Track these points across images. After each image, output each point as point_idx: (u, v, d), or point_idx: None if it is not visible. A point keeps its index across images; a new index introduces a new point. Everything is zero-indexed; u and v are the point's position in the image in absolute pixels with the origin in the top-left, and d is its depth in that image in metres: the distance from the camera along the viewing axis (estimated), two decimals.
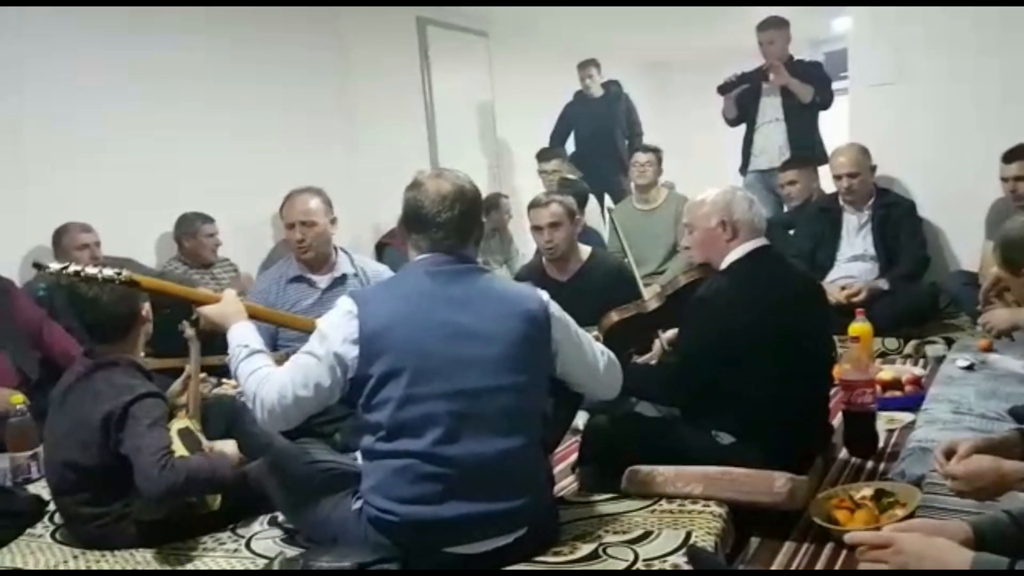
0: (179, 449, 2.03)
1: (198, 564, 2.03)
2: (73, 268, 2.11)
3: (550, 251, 3.46)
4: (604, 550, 1.92)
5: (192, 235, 4.34)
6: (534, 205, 3.50)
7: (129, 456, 2.01)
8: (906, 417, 2.88)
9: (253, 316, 2.22)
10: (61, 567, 2.06)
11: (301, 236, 3.11)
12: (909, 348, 3.75)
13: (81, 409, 2.11)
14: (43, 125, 3.86)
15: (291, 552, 1.85)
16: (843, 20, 6.81)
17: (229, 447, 2.22)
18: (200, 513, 2.11)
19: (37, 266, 2.22)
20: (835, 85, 5.14)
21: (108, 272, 2.09)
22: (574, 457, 2.53)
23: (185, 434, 2.12)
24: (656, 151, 5.16)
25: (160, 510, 2.06)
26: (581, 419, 2.71)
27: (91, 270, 2.10)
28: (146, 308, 2.24)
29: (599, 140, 6.28)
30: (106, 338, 2.21)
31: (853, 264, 4.14)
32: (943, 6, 4.17)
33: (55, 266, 2.14)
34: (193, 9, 4.53)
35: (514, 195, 6.28)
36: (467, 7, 6.32)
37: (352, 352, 1.86)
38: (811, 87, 4.94)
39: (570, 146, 6.48)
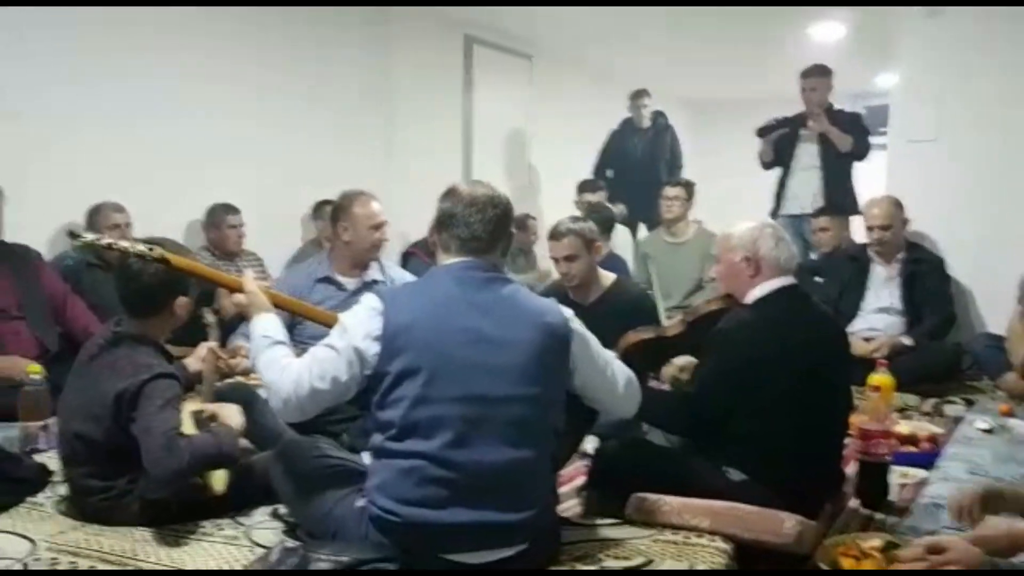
0: (189, 429, 2.04)
1: (195, 547, 2.02)
2: (107, 240, 2.15)
3: (567, 280, 3.48)
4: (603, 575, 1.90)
5: (216, 225, 4.40)
6: (552, 236, 3.51)
7: (137, 436, 2.02)
8: (919, 473, 2.82)
9: (277, 304, 2.23)
10: (59, 536, 2.06)
11: (383, 236, 3.25)
12: (927, 405, 3.70)
13: (98, 382, 2.12)
14: (80, 105, 3.89)
15: (291, 544, 1.84)
16: (888, 76, 6.83)
17: (234, 417, 2.19)
18: (205, 496, 2.11)
19: (72, 234, 2.26)
20: (873, 140, 5.13)
21: (140, 247, 2.12)
22: (580, 480, 2.50)
23: (197, 415, 2.12)
24: (687, 185, 5.15)
25: (165, 491, 2.05)
26: (591, 443, 2.69)
27: (124, 243, 2.14)
28: (182, 301, 2.24)
29: (642, 170, 6.27)
30: (136, 311, 2.22)
31: (878, 316, 4.11)
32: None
33: (89, 236, 2.18)
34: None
35: (541, 218, 6.29)
36: (515, 28, 6.37)
37: (373, 348, 1.86)
38: (850, 137, 4.93)
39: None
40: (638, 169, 6.30)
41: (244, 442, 2.23)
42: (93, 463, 2.14)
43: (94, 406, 2.10)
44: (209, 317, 2.33)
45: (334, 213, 3.29)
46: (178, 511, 2.13)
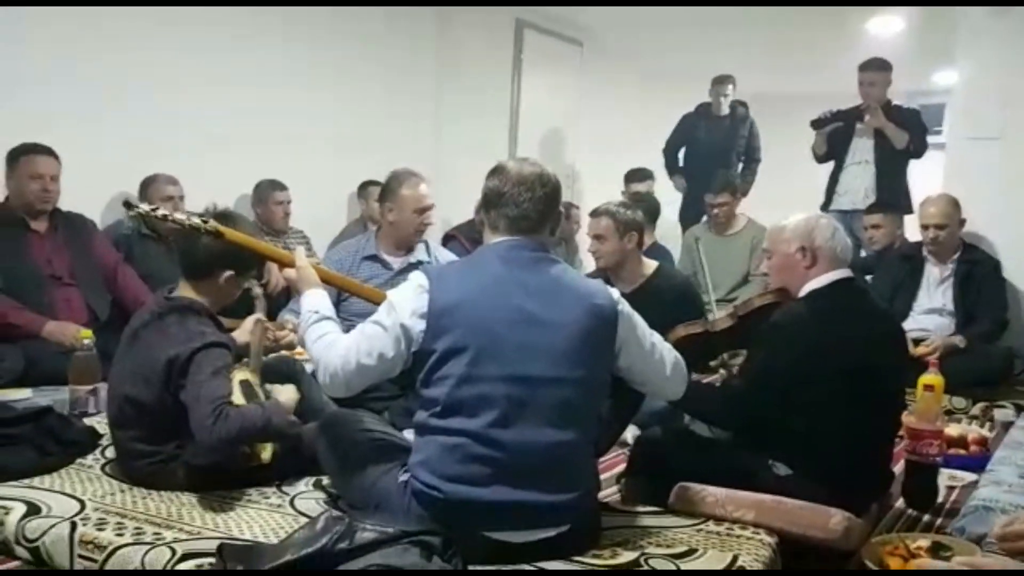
0: (237, 399, 2.06)
1: (240, 513, 2.04)
2: (162, 211, 2.18)
3: (595, 260, 3.48)
4: (646, 560, 1.88)
5: (263, 201, 4.45)
6: (591, 213, 3.52)
7: (187, 403, 2.04)
8: (968, 476, 2.77)
9: (325, 280, 2.25)
10: (107, 498, 2.09)
11: (425, 220, 3.23)
12: (976, 409, 3.62)
13: (150, 347, 2.15)
14: (134, 74, 3.94)
15: (336, 513, 1.84)
16: (944, 74, 6.67)
17: (287, 393, 2.23)
18: (251, 465, 2.13)
19: (127, 204, 2.30)
20: (930, 138, 5.01)
21: (195, 220, 2.14)
22: (620, 468, 2.48)
23: (245, 386, 2.14)
24: (730, 188, 5.06)
25: (211, 458, 2.08)
26: (630, 433, 2.67)
27: (179, 216, 2.16)
28: (228, 275, 2.24)
29: (709, 158, 5.94)
30: (188, 274, 2.25)
31: (929, 317, 4.02)
32: None
33: (145, 207, 2.21)
34: None
35: (585, 208, 6.25)
36: (568, 14, 6.32)
37: (419, 326, 1.86)
38: (906, 134, 4.83)
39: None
40: (704, 157, 5.99)
41: (292, 417, 2.24)
42: (141, 427, 2.17)
43: (145, 370, 2.13)
44: (256, 290, 2.35)
45: (382, 193, 3.30)
46: (224, 479, 2.15)
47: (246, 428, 2.01)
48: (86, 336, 2.77)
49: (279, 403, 2.18)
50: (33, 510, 1.97)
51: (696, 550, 1.94)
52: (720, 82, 6.07)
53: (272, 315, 3.10)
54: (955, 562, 1.21)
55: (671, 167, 6.26)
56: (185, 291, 2.25)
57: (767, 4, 5.45)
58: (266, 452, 2.14)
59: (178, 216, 2.20)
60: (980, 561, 1.10)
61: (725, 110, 6.11)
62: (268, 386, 2.26)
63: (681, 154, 6.26)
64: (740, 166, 6.11)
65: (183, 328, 2.15)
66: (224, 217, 2.26)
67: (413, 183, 3.23)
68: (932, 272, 4.08)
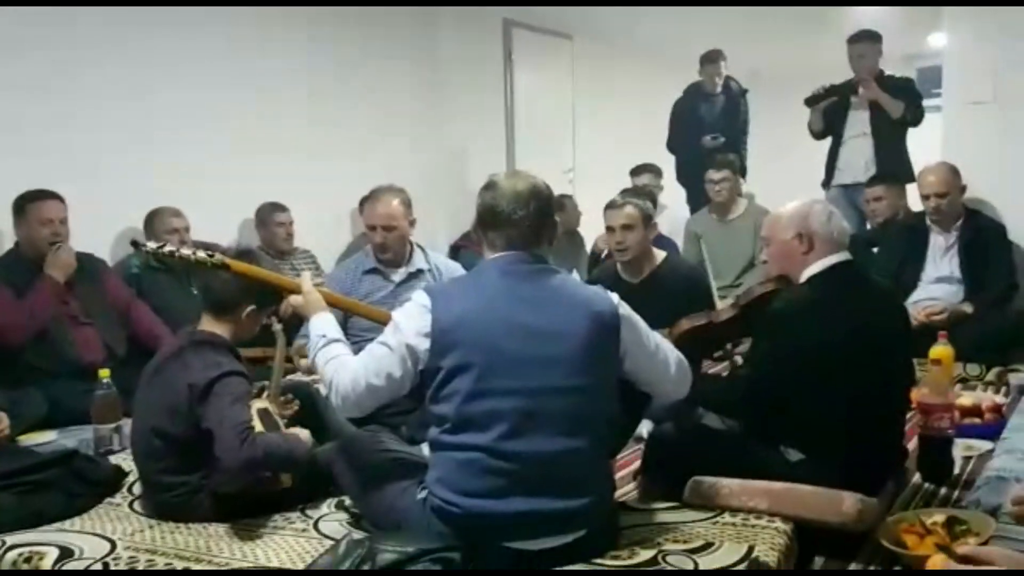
0: (257, 426, 2.11)
1: (267, 541, 2.09)
2: (168, 248, 2.24)
3: (620, 252, 3.45)
4: (663, 557, 1.91)
5: (265, 224, 4.50)
6: (610, 206, 3.50)
7: (211, 428, 2.10)
8: (984, 445, 2.78)
9: (331, 303, 2.30)
10: (136, 535, 2.14)
11: (381, 239, 3.22)
12: (991, 375, 3.62)
13: (172, 379, 2.21)
14: (130, 111, 4.01)
15: (357, 535, 1.89)
16: (938, 36, 6.63)
17: (304, 434, 2.28)
18: (274, 490, 2.18)
19: (135, 244, 2.37)
20: (926, 103, 4.99)
21: (201, 254, 2.21)
22: (636, 464, 2.52)
23: (263, 414, 2.20)
24: (731, 165, 5.03)
25: (237, 484, 2.13)
26: (645, 427, 2.70)
27: (186, 251, 2.23)
28: (250, 311, 2.31)
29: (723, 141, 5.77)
30: (210, 306, 2.33)
31: (938, 286, 4.01)
32: None
33: (152, 245, 2.28)
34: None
35: (589, 200, 6.27)
36: (555, 11, 6.34)
37: (424, 345, 1.90)
38: (901, 103, 4.81)
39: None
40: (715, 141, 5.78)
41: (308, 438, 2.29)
42: (169, 458, 2.22)
43: (168, 402, 2.20)
44: (277, 325, 2.42)
45: (362, 205, 3.37)
46: (249, 504, 2.20)
47: (270, 454, 2.08)
48: (104, 375, 2.82)
49: (299, 435, 2.24)
50: (66, 553, 2.03)
51: (712, 543, 1.98)
52: (711, 60, 5.92)
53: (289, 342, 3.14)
54: (964, 552, 1.23)
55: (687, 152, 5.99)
56: (207, 325, 2.32)
57: None
58: (287, 477, 2.19)
59: (184, 252, 2.27)
60: (983, 552, 1.12)
61: (719, 87, 5.97)
62: (284, 428, 2.30)
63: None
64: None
65: (201, 359, 2.21)
66: (245, 255, 2.34)
67: (372, 200, 3.27)
68: (937, 241, 4.07)
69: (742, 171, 5.58)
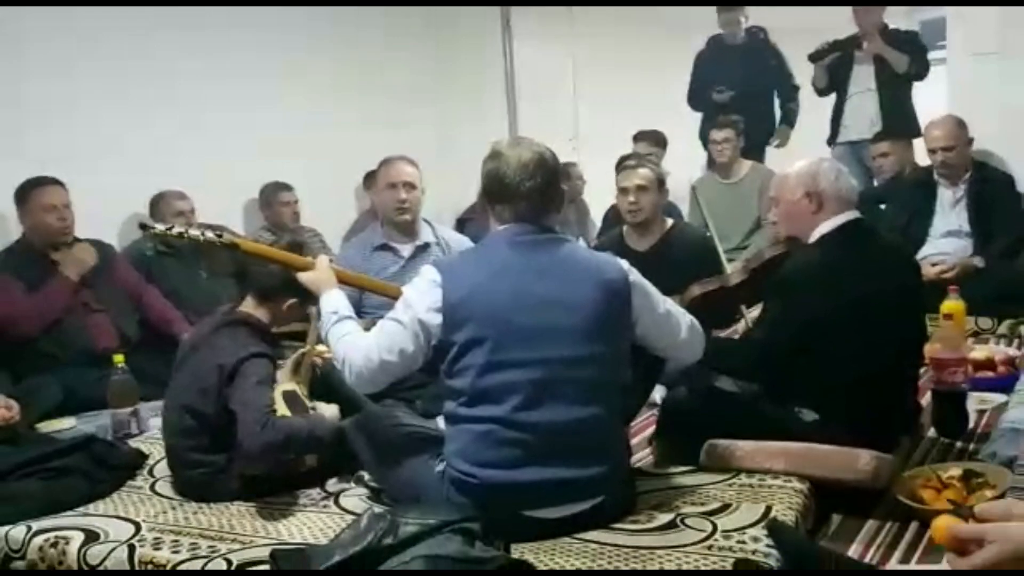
0: (281, 409, 2.13)
1: (290, 518, 2.12)
2: (177, 229, 2.25)
3: (633, 214, 3.42)
4: (681, 520, 1.93)
5: (270, 204, 4.49)
6: (624, 167, 3.46)
7: (235, 410, 2.12)
8: (998, 398, 2.78)
9: (342, 281, 2.30)
10: (160, 516, 2.17)
11: (404, 196, 3.18)
12: (1003, 328, 3.62)
13: (205, 359, 2.24)
14: (130, 96, 3.99)
15: (378, 509, 1.91)
16: None
17: (331, 411, 2.31)
18: (299, 470, 2.21)
19: (143, 226, 2.37)
20: (931, 55, 4.94)
21: (210, 234, 2.22)
22: (651, 430, 2.53)
23: (290, 396, 2.22)
24: (734, 125, 4.89)
25: (258, 463, 2.15)
26: (659, 393, 2.71)
27: (194, 232, 2.24)
28: (292, 303, 2.33)
29: (745, 97, 5.34)
30: (256, 291, 2.35)
31: (947, 240, 4.00)
32: None
33: (160, 227, 2.29)
34: None
35: (594, 167, 6.23)
36: None
37: (436, 320, 1.91)
38: (906, 57, 4.76)
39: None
40: (741, 97, 5.34)
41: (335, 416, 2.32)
42: (199, 436, 2.25)
43: (201, 381, 2.23)
44: (312, 308, 2.44)
45: (367, 180, 3.34)
46: (274, 484, 2.23)
47: (291, 438, 2.10)
48: (119, 361, 2.84)
49: (323, 416, 2.26)
50: (92, 537, 2.05)
51: (730, 505, 1.99)
52: (728, 9, 5.37)
53: None
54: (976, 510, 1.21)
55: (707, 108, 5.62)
56: (248, 307, 2.34)
57: None
58: (311, 458, 2.22)
59: (193, 232, 2.28)
60: (991, 509, 1.11)
61: (741, 37, 5.44)
62: (313, 404, 2.33)
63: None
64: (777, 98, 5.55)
65: (233, 340, 2.24)
66: (296, 247, 2.39)
67: (388, 163, 3.28)
68: (945, 195, 4.05)
69: (790, 123, 5.41)
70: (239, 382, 2.14)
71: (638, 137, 5.56)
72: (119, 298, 3.49)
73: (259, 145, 4.50)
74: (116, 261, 3.62)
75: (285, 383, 2.27)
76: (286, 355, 2.58)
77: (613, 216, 4.64)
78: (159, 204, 3.89)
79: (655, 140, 5.49)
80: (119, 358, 2.86)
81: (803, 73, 5.26)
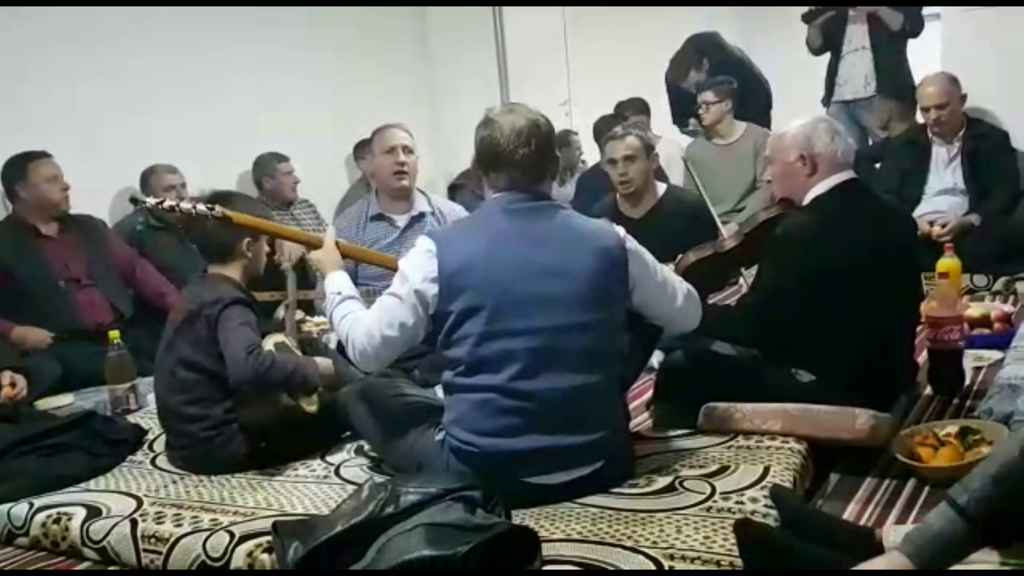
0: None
1: (290, 489, 2.13)
2: (169, 203, 2.24)
3: (624, 185, 3.41)
4: (680, 483, 1.94)
5: (271, 175, 4.45)
6: (610, 138, 3.44)
7: (222, 348, 2.16)
8: (994, 355, 2.79)
9: (346, 255, 2.35)
10: (161, 491, 2.18)
11: (404, 159, 3.16)
12: (999, 285, 3.63)
13: (191, 316, 2.26)
14: (121, 71, 3.97)
15: (379, 478, 1.92)
16: None
17: (324, 363, 2.35)
18: (299, 416, 2.22)
19: (134, 200, 2.37)
20: (924, 11, 4.89)
21: (202, 207, 2.20)
22: (648, 394, 2.54)
23: (281, 346, 2.25)
24: (719, 86, 4.83)
25: (257, 404, 2.17)
26: (656, 357, 2.71)
27: (186, 205, 2.22)
28: (245, 243, 2.34)
29: (741, 65, 5.33)
30: (211, 257, 2.37)
31: (942, 198, 3.99)
32: None
33: (151, 201, 2.28)
34: None
35: (587, 131, 6.18)
36: None
37: (432, 290, 1.90)
38: (900, 14, 4.70)
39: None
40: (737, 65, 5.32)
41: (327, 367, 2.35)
42: (196, 388, 2.26)
43: (192, 334, 2.25)
44: (286, 263, 2.44)
45: (357, 150, 3.31)
46: (276, 438, 2.23)
47: (278, 367, 2.14)
48: (114, 337, 2.83)
49: (313, 360, 2.30)
50: (94, 512, 2.07)
51: (728, 467, 2.00)
52: None
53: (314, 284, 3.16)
54: None
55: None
56: (216, 271, 2.36)
57: None
58: (312, 406, 2.23)
59: (184, 205, 2.26)
60: None
61: None
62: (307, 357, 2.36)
63: None
64: None
65: (214, 291, 2.27)
66: (223, 198, 2.34)
67: (384, 129, 3.25)
68: (939, 153, 4.03)
69: None
70: (224, 323, 2.19)
71: (621, 106, 5.50)
72: (111, 273, 3.49)
73: (249, 117, 4.47)
74: (107, 236, 3.61)
75: (275, 336, 2.30)
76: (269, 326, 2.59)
77: (591, 177, 4.59)
78: (150, 179, 3.86)
79: (639, 107, 5.43)
80: (115, 334, 2.86)
81: (796, 32, 5.20)
